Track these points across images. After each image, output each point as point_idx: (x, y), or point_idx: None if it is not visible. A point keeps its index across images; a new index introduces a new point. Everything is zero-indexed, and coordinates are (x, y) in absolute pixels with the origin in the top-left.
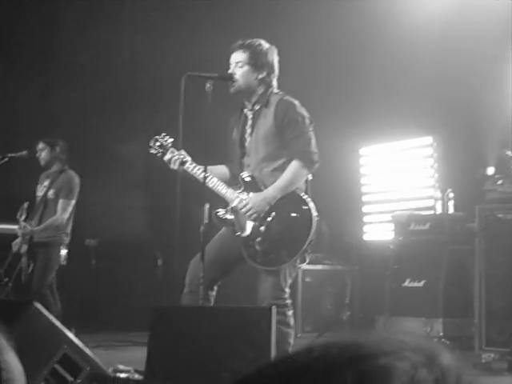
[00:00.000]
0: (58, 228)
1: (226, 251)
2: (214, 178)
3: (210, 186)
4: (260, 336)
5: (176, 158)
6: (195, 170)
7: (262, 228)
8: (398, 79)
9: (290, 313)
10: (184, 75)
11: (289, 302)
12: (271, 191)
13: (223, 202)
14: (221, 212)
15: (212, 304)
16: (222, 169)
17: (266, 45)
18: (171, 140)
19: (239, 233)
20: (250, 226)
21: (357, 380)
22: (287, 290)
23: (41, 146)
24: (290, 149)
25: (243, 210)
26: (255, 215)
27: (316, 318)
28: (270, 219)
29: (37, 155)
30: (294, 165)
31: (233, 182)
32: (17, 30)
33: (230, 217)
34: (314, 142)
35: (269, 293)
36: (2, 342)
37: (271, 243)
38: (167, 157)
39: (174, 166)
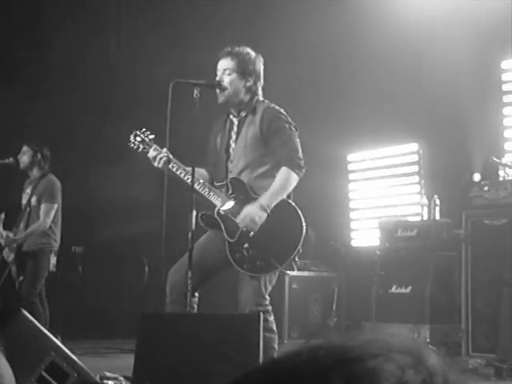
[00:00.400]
0: (46, 235)
1: (207, 257)
2: (201, 179)
3: (197, 187)
4: (248, 342)
5: (161, 156)
6: (180, 170)
7: (251, 234)
8: (385, 86)
9: (272, 318)
10: (171, 82)
11: (269, 308)
12: (265, 199)
13: (210, 208)
14: (207, 215)
15: (195, 310)
16: (203, 172)
17: (252, 53)
18: (152, 136)
19: (226, 237)
20: (237, 231)
21: (344, 382)
22: (267, 296)
23: (24, 149)
24: (276, 155)
25: (243, 224)
26: (254, 226)
27: (303, 325)
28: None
29: (18, 156)
30: (284, 171)
31: (212, 184)
32: (1, 32)
33: (216, 220)
34: (300, 148)
35: (250, 299)
36: None
37: (259, 250)
38: (151, 154)
39: (159, 165)
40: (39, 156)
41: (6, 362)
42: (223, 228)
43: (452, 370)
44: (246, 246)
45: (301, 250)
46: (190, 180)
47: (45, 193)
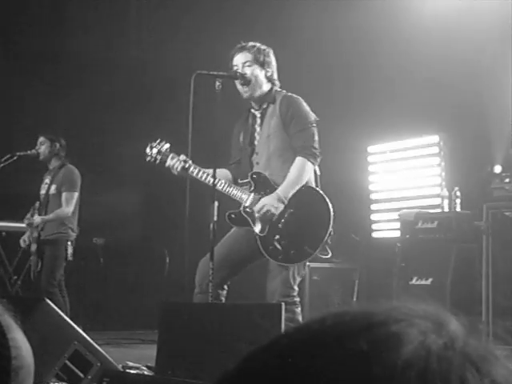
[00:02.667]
0: (63, 224)
1: (236, 250)
2: (222, 180)
3: (220, 188)
4: (269, 332)
5: (178, 163)
6: (200, 173)
7: (280, 225)
8: (406, 78)
9: (298, 310)
10: (193, 74)
11: (297, 299)
12: (282, 190)
13: (233, 200)
14: (235, 213)
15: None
16: (225, 172)
17: (264, 46)
18: (168, 145)
19: (257, 232)
20: (266, 224)
21: (370, 346)
22: (296, 287)
23: (41, 139)
24: (293, 143)
25: (259, 214)
26: (272, 217)
27: None
28: (286, 216)
29: (36, 148)
30: (299, 161)
31: (236, 182)
32: (23, 27)
33: (244, 217)
34: (316, 137)
35: (278, 290)
36: (9, 321)
37: (291, 239)
38: (168, 163)
39: (177, 172)
40: (57, 145)
41: (24, 335)
42: (252, 224)
43: (472, 335)
44: (277, 237)
45: (332, 233)
46: (211, 182)
47: (65, 182)
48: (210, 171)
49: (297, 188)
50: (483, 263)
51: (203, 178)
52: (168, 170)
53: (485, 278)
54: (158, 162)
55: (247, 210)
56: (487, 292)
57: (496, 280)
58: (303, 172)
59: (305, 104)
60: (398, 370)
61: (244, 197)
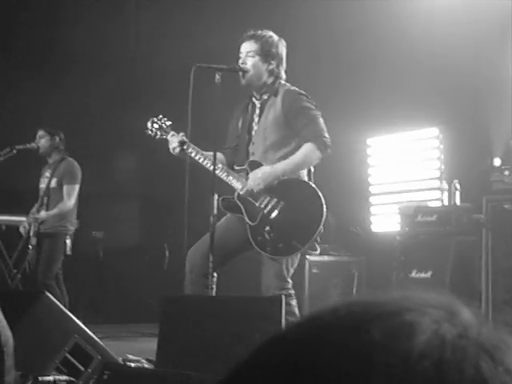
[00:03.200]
0: (62, 217)
1: (228, 239)
2: (219, 164)
3: (217, 172)
4: (270, 325)
5: (177, 139)
6: (199, 155)
7: (272, 217)
8: (405, 70)
9: (294, 302)
10: (193, 66)
11: (292, 292)
12: (280, 166)
13: (230, 192)
14: (228, 199)
15: (214, 290)
16: (220, 156)
17: (275, 37)
18: (170, 122)
19: (247, 221)
20: (258, 214)
21: (384, 336)
22: (289, 280)
23: (41, 133)
24: (302, 136)
25: (251, 182)
26: (262, 186)
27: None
28: (279, 208)
29: (35, 141)
30: (308, 146)
31: (231, 168)
32: (20, 23)
33: (237, 204)
34: (325, 127)
35: (273, 283)
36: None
37: (281, 232)
38: (169, 138)
39: (176, 150)
40: (57, 139)
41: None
42: (244, 211)
43: (485, 323)
44: (267, 228)
45: (322, 230)
46: (208, 165)
47: (65, 175)
48: (208, 154)
49: (296, 170)
50: (482, 256)
51: (201, 160)
52: (167, 163)
53: (484, 271)
54: (157, 137)
55: (240, 196)
56: (487, 285)
57: (495, 273)
58: (308, 158)
59: (308, 97)
60: (412, 360)
61: (239, 184)
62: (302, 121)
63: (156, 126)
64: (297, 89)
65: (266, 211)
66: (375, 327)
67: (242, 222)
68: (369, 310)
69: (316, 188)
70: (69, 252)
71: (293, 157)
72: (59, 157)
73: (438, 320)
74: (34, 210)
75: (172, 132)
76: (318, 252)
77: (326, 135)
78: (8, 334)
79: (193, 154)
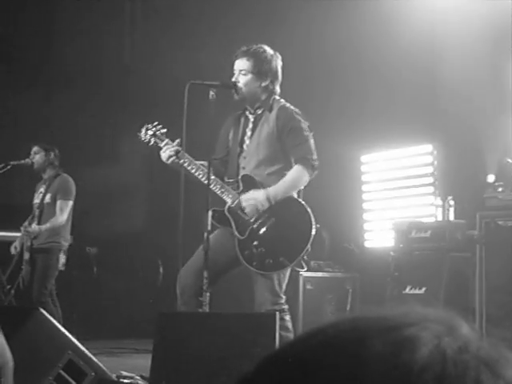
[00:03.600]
0: (56, 233)
1: (218, 256)
2: (212, 176)
3: (207, 181)
4: (265, 341)
5: (171, 149)
6: (192, 165)
7: (261, 232)
8: (399, 87)
9: (288, 317)
10: (187, 83)
11: (286, 306)
12: (273, 190)
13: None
14: (218, 212)
15: (207, 309)
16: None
17: (269, 52)
18: (164, 130)
19: (236, 234)
20: (247, 228)
21: (387, 349)
22: (283, 295)
23: (35, 149)
24: (291, 155)
25: (244, 204)
26: (255, 210)
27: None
28: (269, 224)
29: (30, 157)
30: (297, 169)
31: (221, 179)
32: (16, 34)
33: (226, 217)
34: (314, 149)
35: (266, 299)
36: None
37: (269, 247)
38: (162, 147)
39: (168, 159)
40: (52, 155)
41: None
42: (233, 225)
43: (484, 338)
44: (255, 243)
45: (309, 249)
46: (200, 176)
47: (60, 190)
48: (201, 163)
49: (288, 193)
50: (476, 272)
51: (193, 171)
52: (162, 178)
53: (478, 288)
54: (151, 144)
55: (231, 209)
56: (480, 301)
57: (489, 289)
58: (298, 180)
59: (302, 116)
60: (414, 373)
61: (230, 197)
62: (294, 141)
63: (150, 132)
64: (291, 106)
65: (255, 226)
66: (379, 341)
67: (231, 236)
68: (370, 324)
69: (306, 206)
70: (61, 268)
71: (283, 181)
72: (54, 172)
73: (439, 334)
74: (25, 223)
75: (166, 140)
76: (305, 270)
77: (315, 157)
78: (8, 355)
79: (186, 164)
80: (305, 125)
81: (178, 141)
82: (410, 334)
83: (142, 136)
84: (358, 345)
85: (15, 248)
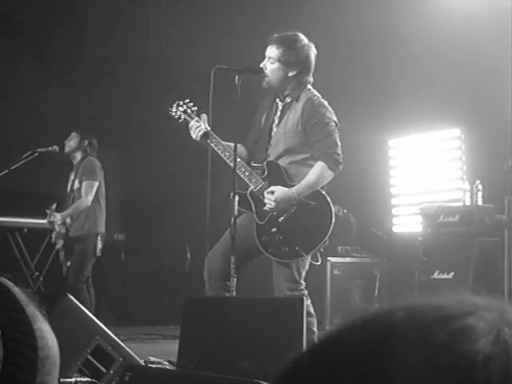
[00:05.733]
0: (91, 218)
1: (244, 241)
2: (238, 158)
3: (233, 165)
4: (292, 325)
5: (200, 127)
6: (219, 146)
7: (280, 220)
8: (426, 71)
9: (309, 302)
10: (213, 68)
11: (305, 292)
12: (296, 191)
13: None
14: (240, 195)
15: (234, 294)
16: (240, 148)
17: (301, 42)
18: (196, 108)
19: (255, 218)
20: (268, 214)
21: (449, 339)
22: (302, 281)
23: (73, 134)
24: (315, 149)
25: (266, 201)
26: (275, 209)
27: (344, 311)
28: (290, 212)
29: (65, 141)
30: (320, 166)
31: (249, 162)
32: (42, 22)
33: (248, 201)
34: (339, 143)
35: (284, 285)
36: (34, 311)
37: (286, 236)
38: (192, 124)
39: (197, 137)
40: (86, 142)
41: (48, 325)
42: (254, 209)
43: None
44: (273, 230)
45: (327, 242)
46: (227, 157)
47: (85, 172)
48: (229, 145)
49: (311, 191)
50: (505, 256)
51: (220, 151)
52: (188, 164)
53: (507, 272)
54: (181, 120)
55: (253, 193)
56: (509, 286)
57: None
58: (321, 178)
59: (329, 109)
60: (478, 363)
61: (254, 181)
62: (318, 134)
63: (181, 109)
64: (319, 98)
65: (275, 213)
66: (440, 330)
67: (252, 221)
68: (428, 313)
69: (328, 199)
70: (99, 253)
71: (307, 178)
72: (81, 157)
73: (497, 324)
74: (48, 211)
75: (196, 118)
76: (319, 263)
77: (339, 152)
78: (52, 351)
79: (213, 144)
80: (330, 119)
81: (204, 116)
82: (469, 324)
83: (173, 112)
84: (417, 334)
85: (56, 239)
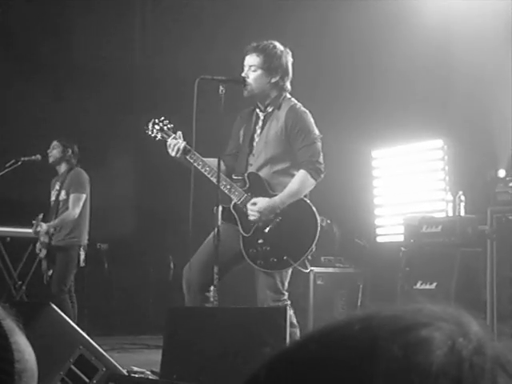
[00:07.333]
0: (75, 229)
1: (223, 252)
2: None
3: (215, 180)
4: (275, 336)
5: (179, 145)
6: (198, 161)
7: (266, 230)
8: (409, 83)
9: (291, 312)
10: (197, 78)
11: (288, 302)
12: (279, 200)
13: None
14: (224, 209)
15: (215, 304)
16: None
17: (280, 48)
18: (171, 125)
19: (241, 231)
20: (253, 226)
21: (402, 351)
22: (285, 292)
23: (54, 143)
24: (297, 157)
25: (249, 213)
26: (259, 220)
27: (328, 321)
28: (274, 223)
29: (48, 151)
30: (302, 174)
31: (229, 176)
32: (29, 32)
33: (232, 214)
34: (321, 153)
35: (267, 296)
36: (11, 325)
37: (273, 246)
38: (169, 142)
39: (177, 154)
40: (69, 152)
41: (26, 339)
42: (239, 222)
43: (495, 337)
44: (260, 241)
45: (314, 249)
46: (207, 172)
47: (72, 184)
48: (209, 160)
49: (293, 200)
50: (487, 267)
51: (200, 167)
52: (172, 174)
53: (489, 283)
54: (157, 138)
55: (237, 206)
56: (492, 297)
57: (500, 284)
58: (303, 186)
59: (311, 118)
60: (432, 377)
61: (236, 194)
62: (301, 143)
63: (157, 127)
64: (302, 107)
65: (260, 224)
66: (394, 342)
67: (237, 232)
68: (384, 324)
69: (312, 206)
70: (82, 264)
71: (289, 187)
72: (67, 167)
73: (452, 335)
74: (33, 227)
75: (173, 135)
76: (309, 270)
77: (321, 160)
78: (29, 364)
79: (192, 160)
80: (313, 128)
81: (179, 133)
82: (424, 335)
83: (149, 131)
84: (375, 346)
85: (40, 250)
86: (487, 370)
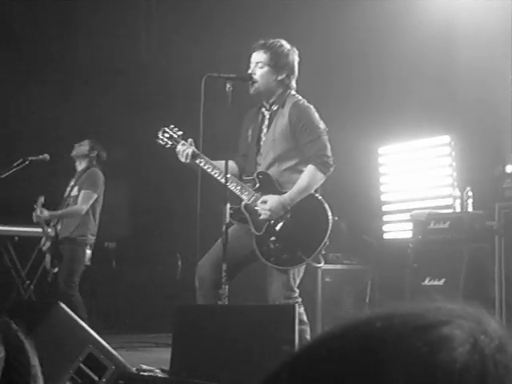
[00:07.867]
0: (83, 226)
1: (235, 251)
2: (228, 174)
3: (224, 181)
4: (284, 333)
5: (187, 150)
6: (208, 165)
7: (278, 227)
8: (416, 78)
9: (302, 310)
10: (204, 76)
11: (299, 299)
12: (288, 197)
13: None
14: (235, 209)
15: (226, 302)
16: (231, 164)
17: (287, 46)
18: (181, 132)
19: (253, 230)
20: (264, 224)
21: (426, 349)
22: (296, 289)
23: (85, 141)
24: (304, 153)
25: (260, 211)
26: (270, 218)
27: (336, 318)
28: (286, 219)
29: (76, 144)
30: (310, 169)
31: (240, 177)
32: (37, 32)
33: (243, 214)
34: (328, 146)
35: (280, 293)
36: (31, 350)
37: (286, 243)
38: (179, 149)
39: (186, 160)
40: (95, 153)
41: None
42: (250, 222)
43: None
44: (272, 239)
45: (327, 243)
46: (217, 175)
47: (86, 181)
48: (219, 163)
49: (304, 196)
50: (495, 263)
51: (210, 170)
52: (179, 172)
53: (497, 278)
54: (168, 146)
55: (248, 206)
56: (500, 292)
57: (509, 280)
58: (312, 181)
59: (315, 112)
60: (456, 373)
61: (246, 194)
62: (307, 137)
63: (167, 135)
64: (305, 102)
65: (272, 222)
66: (417, 340)
67: (248, 232)
68: (406, 322)
69: (323, 201)
70: (88, 262)
71: (298, 183)
72: (86, 166)
73: (473, 333)
74: (35, 211)
75: (183, 141)
76: (322, 264)
77: (328, 154)
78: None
79: (202, 164)
80: (318, 122)
81: (190, 140)
82: (446, 333)
83: (160, 139)
84: (398, 343)
85: (43, 241)
86: (510, 369)
